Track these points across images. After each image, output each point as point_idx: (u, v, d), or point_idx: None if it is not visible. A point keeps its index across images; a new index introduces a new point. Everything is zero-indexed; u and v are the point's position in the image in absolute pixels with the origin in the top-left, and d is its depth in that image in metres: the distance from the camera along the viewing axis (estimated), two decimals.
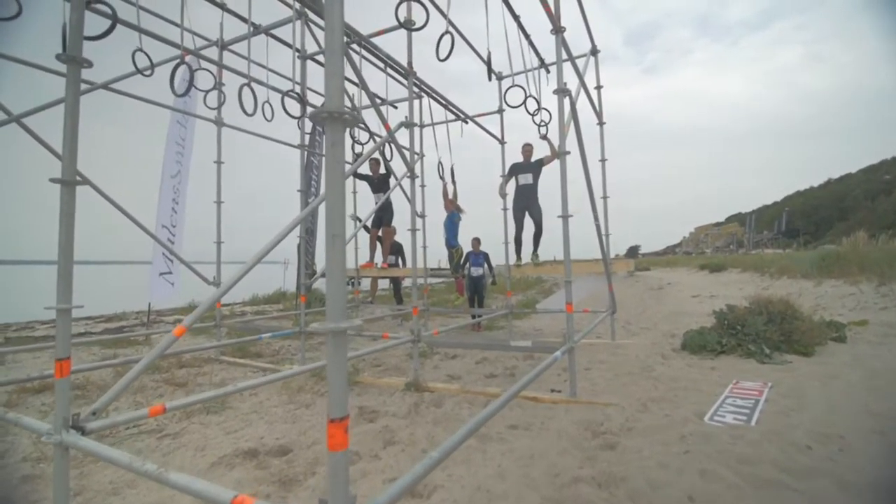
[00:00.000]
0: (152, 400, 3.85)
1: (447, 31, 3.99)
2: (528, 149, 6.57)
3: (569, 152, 3.53)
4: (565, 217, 3.46)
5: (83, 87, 4.09)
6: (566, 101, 3.67)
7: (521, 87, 5.92)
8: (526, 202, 6.40)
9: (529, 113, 5.75)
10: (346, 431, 1.06)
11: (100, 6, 3.04)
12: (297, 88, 4.78)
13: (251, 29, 4.61)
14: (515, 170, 6.57)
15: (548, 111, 5.91)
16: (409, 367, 4.28)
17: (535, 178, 6.44)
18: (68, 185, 1.79)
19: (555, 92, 3.59)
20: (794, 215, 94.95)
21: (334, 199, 1.08)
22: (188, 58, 4.32)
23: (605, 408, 3.19)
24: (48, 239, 1.82)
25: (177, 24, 4.37)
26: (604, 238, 5.15)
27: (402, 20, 3.78)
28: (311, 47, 5.14)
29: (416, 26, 3.76)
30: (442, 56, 3.91)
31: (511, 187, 6.68)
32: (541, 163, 6.45)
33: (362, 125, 5.95)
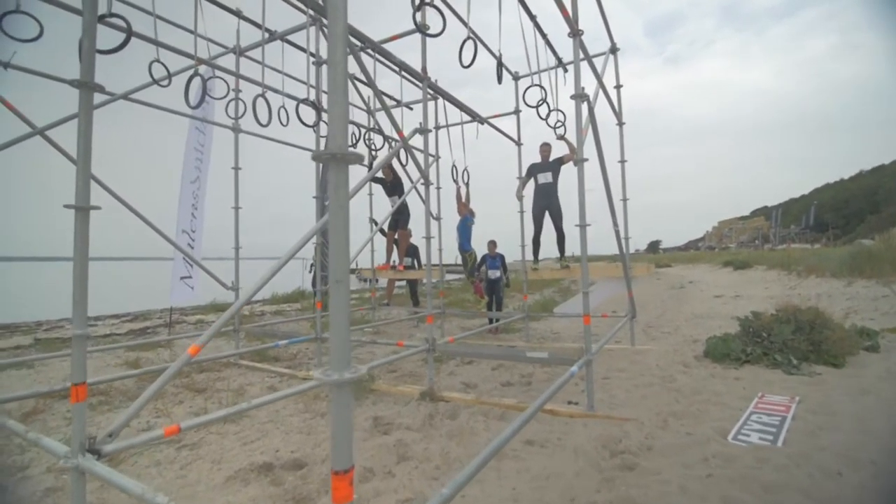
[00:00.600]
0: (172, 407, 3.91)
1: (469, 38, 3.98)
2: (546, 148, 6.47)
3: (586, 159, 3.44)
4: (583, 226, 3.38)
5: (103, 98, 4.18)
6: (584, 106, 3.57)
7: (540, 86, 5.82)
8: (546, 201, 6.31)
9: (542, 118, 5.67)
10: (351, 483, 1.03)
11: (115, 20, 3.07)
12: (313, 94, 4.79)
13: (265, 35, 4.62)
14: (534, 170, 6.47)
15: (561, 112, 5.80)
16: (425, 372, 4.26)
17: (555, 177, 6.36)
18: (82, 210, 1.80)
19: (572, 97, 3.50)
20: (822, 209, 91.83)
21: (338, 243, 1.05)
22: (202, 68, 4.34)
23: (624, 423, 3.11)
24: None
25: (191, 32, 4.40)
26: (623, 242, 5.01)
27: (417, 24, 3.74)
28: (326, 52, 5.14)
29: (434, 32, 3.72)
30: (465, 62, 3.92)
31: (529, 188, 6.58)
32: (560, 161, 6.35)
33: (376, 129, 5.92)
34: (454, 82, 7.53)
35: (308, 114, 4.53)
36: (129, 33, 3.03)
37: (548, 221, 6.40)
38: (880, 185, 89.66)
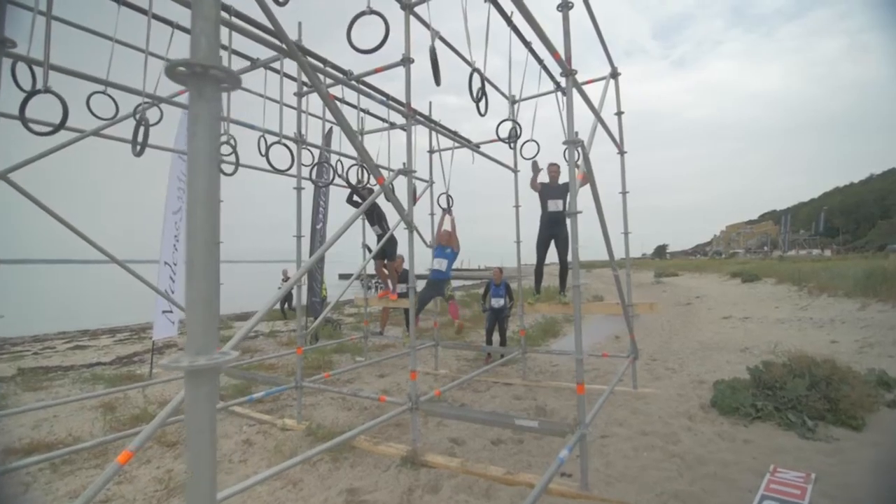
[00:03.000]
0: (137, 468, 3.66)
1: (475, 71, 3.83)
2: (554, 168, 5.91)
3: (580, 212, 3.15)
4: (577, 286, 3.09)
5: (74, 135, 3.94)
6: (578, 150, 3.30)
7: (514, 120, 5.56)
8: (555, 230, 5.78)
9: (512, 147, 5.54)
10: None
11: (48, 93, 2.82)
12: (291, 127, 4.55)
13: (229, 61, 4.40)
14: (546, 194, 5.92)
15: (535, 142, 5.67)
16: (411, 420, 3.94)
17: (566, 205, 5.89)
18: None
19: (564, 143, 3.23)
20: (832, 213, 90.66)
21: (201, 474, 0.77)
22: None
23: None
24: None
25: (156, 55, 4.15)
26: (623, 283, 4.71)
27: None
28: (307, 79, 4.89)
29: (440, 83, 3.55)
30: (476, 98, 3.92)
31: (536, 204, 6.14)
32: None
33: (359, 162, 5.67)
34: (454, 87, 7.13)
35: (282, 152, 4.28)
36: (66, 110, 2.79)
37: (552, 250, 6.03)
38: (891, 188, 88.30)
